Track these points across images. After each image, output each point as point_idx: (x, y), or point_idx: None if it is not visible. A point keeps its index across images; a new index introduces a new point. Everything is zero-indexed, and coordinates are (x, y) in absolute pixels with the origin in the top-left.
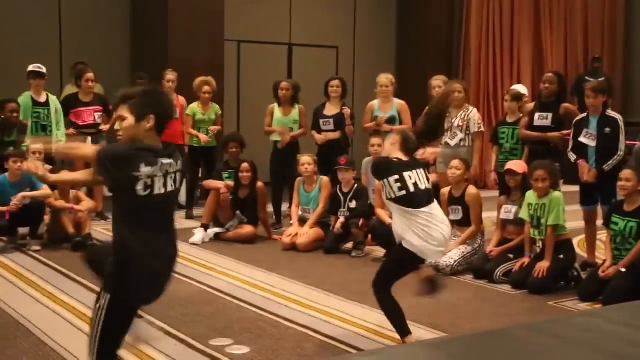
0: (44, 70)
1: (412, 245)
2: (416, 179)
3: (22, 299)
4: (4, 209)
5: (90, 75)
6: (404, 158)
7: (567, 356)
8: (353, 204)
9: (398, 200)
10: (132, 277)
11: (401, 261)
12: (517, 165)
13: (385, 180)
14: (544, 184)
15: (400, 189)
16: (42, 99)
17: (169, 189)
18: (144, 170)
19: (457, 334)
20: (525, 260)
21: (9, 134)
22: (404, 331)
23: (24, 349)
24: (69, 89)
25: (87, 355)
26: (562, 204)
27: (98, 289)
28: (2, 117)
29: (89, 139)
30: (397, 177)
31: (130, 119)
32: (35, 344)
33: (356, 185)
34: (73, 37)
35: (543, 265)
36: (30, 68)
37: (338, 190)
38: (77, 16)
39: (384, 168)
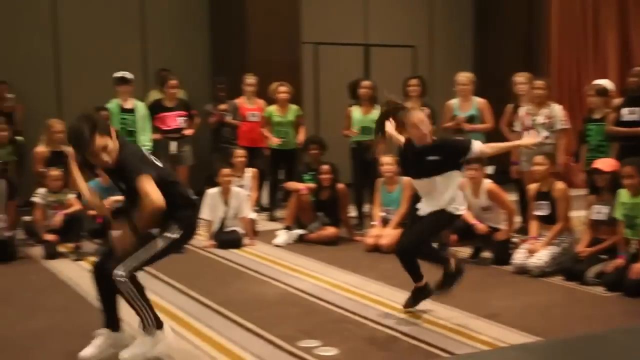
0: (131, 76)
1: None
2: None
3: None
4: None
5: (174, 82)
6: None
7: None
8: None
9: None
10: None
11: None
12: (605, 163)
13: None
14: (632, 181)
15: None
16: (129, 105)
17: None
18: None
19: (550, 338)
20: (619, 261)
21: None
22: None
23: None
24: (154, 95)
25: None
26: None
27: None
28: None
29: (174, 143)
30: None
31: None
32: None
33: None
34: (156, 44)
35: (639, 267)
36: (117, 75)
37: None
38: (159, 24)
39: None
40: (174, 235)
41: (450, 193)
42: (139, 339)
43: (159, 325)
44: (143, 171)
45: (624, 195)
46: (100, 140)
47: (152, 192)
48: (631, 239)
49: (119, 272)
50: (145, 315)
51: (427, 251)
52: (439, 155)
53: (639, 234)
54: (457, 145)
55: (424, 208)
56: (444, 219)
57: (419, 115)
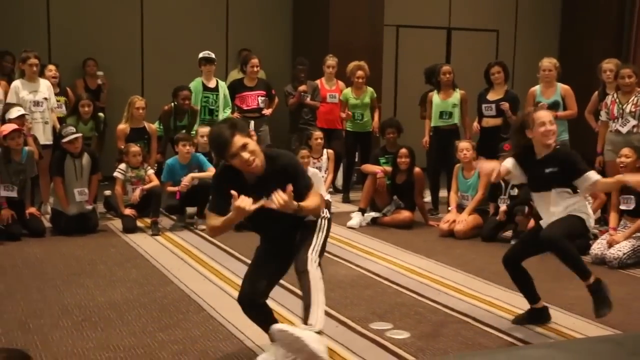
0: (214, 56)
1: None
2: None
3: (192, 275)
4: (175, 189)
5: (255, 61)
6: None
7: None
8: (514, 192)
9: None
10: None
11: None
12: None
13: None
14: None
15: None
16: (212, 84)
17: None
18: None
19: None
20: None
21: (181, 119)
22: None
23: (196, 322)
24: (234, 75)
25: (310, 255)
26: None
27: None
28: (175, 103)
29: (252, 122)
30: None
31: (252, 142)
32: (205, 319)
33: None
34: (238, 25)
35: None
36: (202, 55)
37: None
38: (243, 4)
39: None
40: (326, 214)
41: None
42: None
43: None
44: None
45: None
46: (238, 139)
47: (319, 202)
48: None
49: (314, 265)
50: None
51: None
52: (557, 167)
53: None
54: (573, 164)
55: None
56: (577, 222)
57: (547, 114)
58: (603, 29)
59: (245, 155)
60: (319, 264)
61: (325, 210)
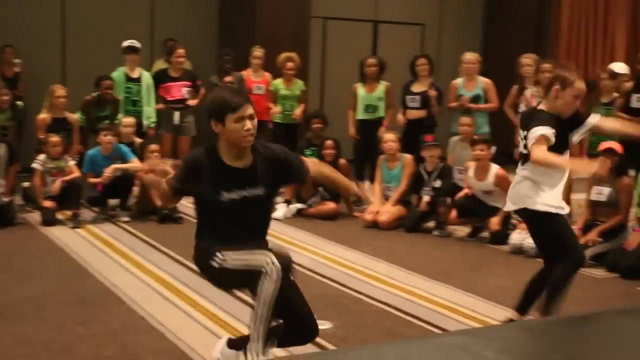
0: (139, 45)
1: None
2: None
3: (113, 268)
4: (97, 180)
5: (181, 51)
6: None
7: None
8: (437, 183)
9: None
10: None
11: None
12: (616, 145)
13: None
14: None
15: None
16: (135, 74)
17: None
18: None
19: (542, 318)
20: (637, 234)
21: (103, 109)
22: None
23: (116, 315)
24: (159, 65)
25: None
26: None
27: None
28: (98, 93)
29: (177, 113)
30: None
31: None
32: (126, 312)
33: (442, 165)
34: (164, 13)
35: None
36: (126, 44)
37: (422, 169)
38: None
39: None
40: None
41: None
42: None
43: None
44: None
45: None
46: (250, 108)
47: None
48: None
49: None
50: None
51: None
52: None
53: None
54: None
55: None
56: None
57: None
58: (523, 25)
59: (249, 124)
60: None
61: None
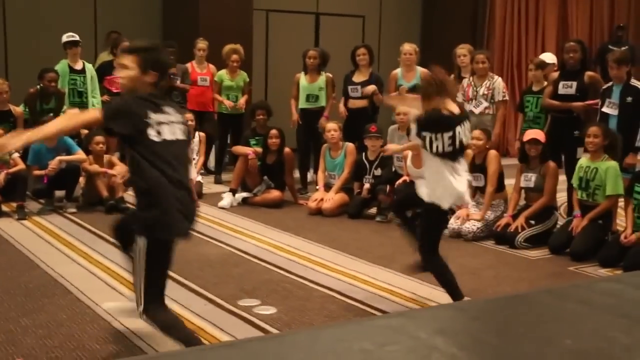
0: (78, 38)
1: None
2: (462, 134)
3: (60, 259)
4: (42, 172)
5: (126, 44)
6: (456, 110)
7: (592, 321)
8: (378, 172)
9: (443, 155)
10: (165, 212)
11: (436, 220)
12: (539, 134)
13: (437, 135)
14: (596, 140)
15: (450, 145)
16: (79, 66)
17: (179, 137)
18: (153, 117)
19: (479, 298)
20: (577, 220)
21: (47, 102)
22: (458, 295)
23: (61, 305)
24: (104, 57)
25: (136, 303)
26: (619, 173)
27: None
28: (41, 85)
29: None
30: (450, 133)
31: (135, 70)
32: (72, 302)
33: (382, 154)
34: (106, 6)
35: (582, 224)
36: (65, 38)
37: (364, 158)
38: None
39: (445, 123)
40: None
41: None
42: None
43: None
44: None
45: (583, 160)
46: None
47: None
48: (584, 200)
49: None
50: None
51: None
52: None
53: (592, 196)
54: None
55: None
56: None
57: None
58: (460, 16)
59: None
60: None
61: (143, 242)
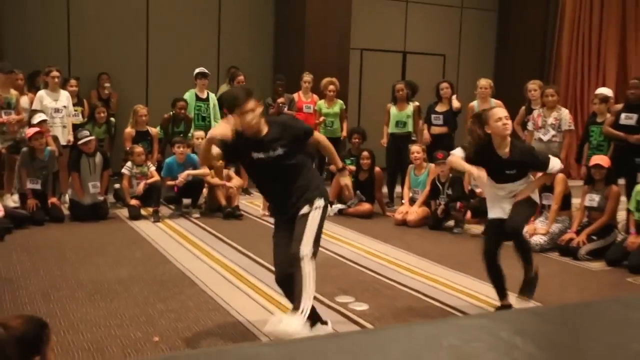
0: (207, 71)
1: None
2: None
3: (187, 256)
4: (173, 183)
5: (241, 77)
6: None
7: None
8: (450, 191)
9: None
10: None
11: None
12: (603, 160)
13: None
14: None
15: None
16: (204, 95)
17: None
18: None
19: (548, 305)
20: (632, 237)
21: (178, 125)
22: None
23: (189, 295)
24: (223, 88)
25: (301, 249)
26: None
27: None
28: (173, 112)
29: None
30: None
31: (259, 109)
32: (197, 292)
33: (451, 175)
34: (228, 45)
35: (636, 240)
36: (198, 70)
37: (437, 181)
38: (232, 29)
39: None
40: (319, 204)
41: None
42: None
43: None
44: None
45: (639, 186)
46: (251, 103)
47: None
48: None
49: (306, 259)
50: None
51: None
52: (517, 169)
53: None
54: (535, 162)
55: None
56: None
57: (503, 110)
58: (529, 55)
59: (249, 116)
60: (314, 254)
61: (319, 200)
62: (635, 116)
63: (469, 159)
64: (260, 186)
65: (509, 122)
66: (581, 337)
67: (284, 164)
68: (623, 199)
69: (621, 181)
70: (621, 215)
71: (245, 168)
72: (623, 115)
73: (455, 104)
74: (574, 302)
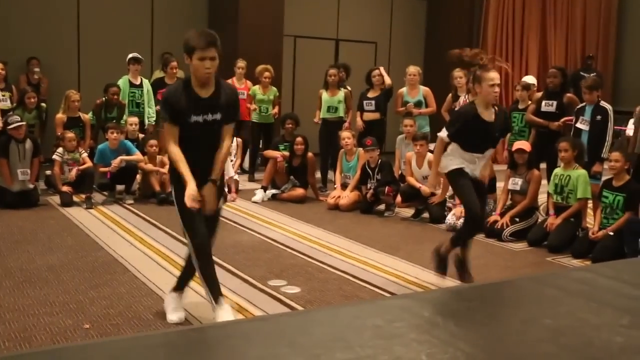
0: (141, 57)
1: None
2: None
3: (120, 242)
4: (106, 169)
5: (174, 63)
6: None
7: (567, 304)
8: (379, 176)
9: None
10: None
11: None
12: (525, 145)
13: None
14: (566, 154)
15: None
16: (137, 81)
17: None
18: None
19: (470, 283)
20: (551, 218)
21: (111, 111)
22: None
23: (121, 281)
24: (157, 74)
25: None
26: (587, 179)
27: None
28: (106, 98)
29: None
30: None
31: (217, 60)
32: (130, 279)
33: (380, 161)
34: (161, 31)
35: (555, 222)
36: (131, 55)
37: (366, 166)
38: (165, 14)
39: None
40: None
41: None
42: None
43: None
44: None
45: (557, 170)
46: (213, 51)
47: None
48: (559, 203)
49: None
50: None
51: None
52: (500, 132)
53: (566, 199)
54: (507, 123)
55: (473, 171)
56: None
57: (496, 75)
58: (457, 44)
59: (208, 64)
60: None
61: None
62: (554, 103)
63: (456, 132)
64: (186, 147)
65: (499, 90)
66: (498, 315)
67: (217, 129)
68: (544, 182)
69: (542, 165)
70: (542, 198)
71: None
72: (543, 103)
73: (387, 80)
74: (491, 281)
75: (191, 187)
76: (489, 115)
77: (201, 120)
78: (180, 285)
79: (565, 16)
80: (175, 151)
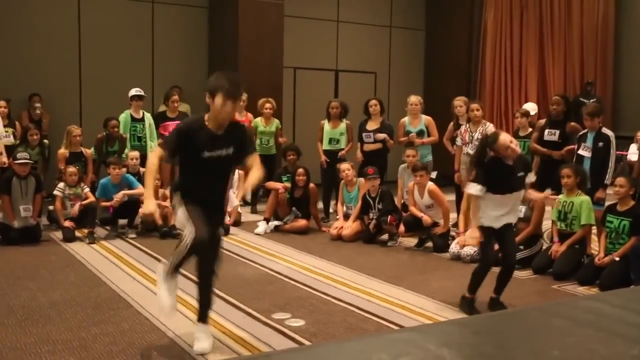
0: (143, 93)
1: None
2: None
3: (122, 277)
4: (108, 204)
5: (176, 97)
6: None
7: (575, 334)
8: (380, 205)
9: None
10: None
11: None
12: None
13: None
14: (569, 180)
15: None
16: (139, 115)
17: None
18: None
19: (477, 314)
20: (556, 245)
21: (112, 145)
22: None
23: (124, 317)
24: (162, 108)
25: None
26: (591, 205)
27: None
28: (106, 132)
29: None
30: None
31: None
32: (133, 314)
33: (380, 190)
34: (162, 64)
35: (560, 249)
36: (133, 92)
37: (367, 196)
38: (165, 48)
39: None
40: None
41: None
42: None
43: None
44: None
45: (561, 196)
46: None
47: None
48: (563, 229)
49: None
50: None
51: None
52: (523, 171)
53: (570, 225)
54: (526, 165)
55: (505, 219)
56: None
57: (510, 137)
58: (456, 73)
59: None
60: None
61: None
62: (557, 132)
63: (487, 184)
64: (197, 179)
65: (515, 142)
66: (505, 347)
67: (229, 164)
68: (548, 209)
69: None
70: (546, 225)
71: (190, 161)
72: (546, 132)
73: (379, 137)
74: (499, 312)
75: (150, 205)
76: (509, 160)
77: (215, 155)
78: (203, 316)
79: (562, 43)
80: (154, 161)
